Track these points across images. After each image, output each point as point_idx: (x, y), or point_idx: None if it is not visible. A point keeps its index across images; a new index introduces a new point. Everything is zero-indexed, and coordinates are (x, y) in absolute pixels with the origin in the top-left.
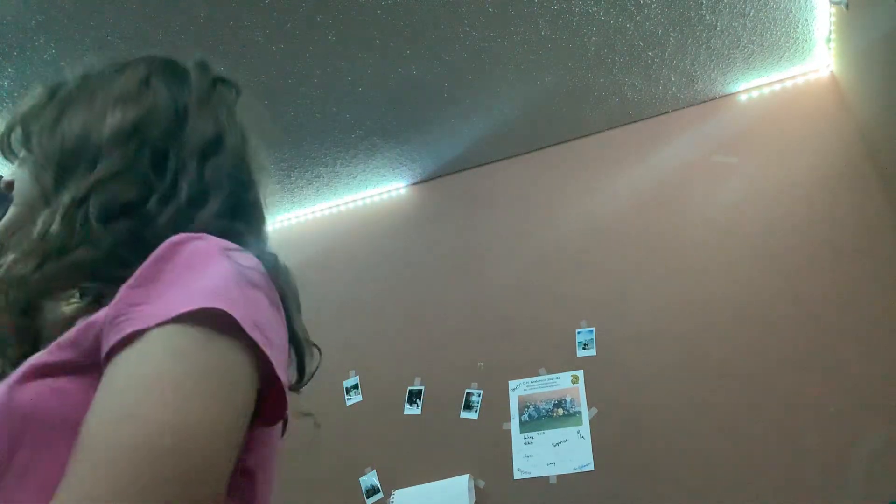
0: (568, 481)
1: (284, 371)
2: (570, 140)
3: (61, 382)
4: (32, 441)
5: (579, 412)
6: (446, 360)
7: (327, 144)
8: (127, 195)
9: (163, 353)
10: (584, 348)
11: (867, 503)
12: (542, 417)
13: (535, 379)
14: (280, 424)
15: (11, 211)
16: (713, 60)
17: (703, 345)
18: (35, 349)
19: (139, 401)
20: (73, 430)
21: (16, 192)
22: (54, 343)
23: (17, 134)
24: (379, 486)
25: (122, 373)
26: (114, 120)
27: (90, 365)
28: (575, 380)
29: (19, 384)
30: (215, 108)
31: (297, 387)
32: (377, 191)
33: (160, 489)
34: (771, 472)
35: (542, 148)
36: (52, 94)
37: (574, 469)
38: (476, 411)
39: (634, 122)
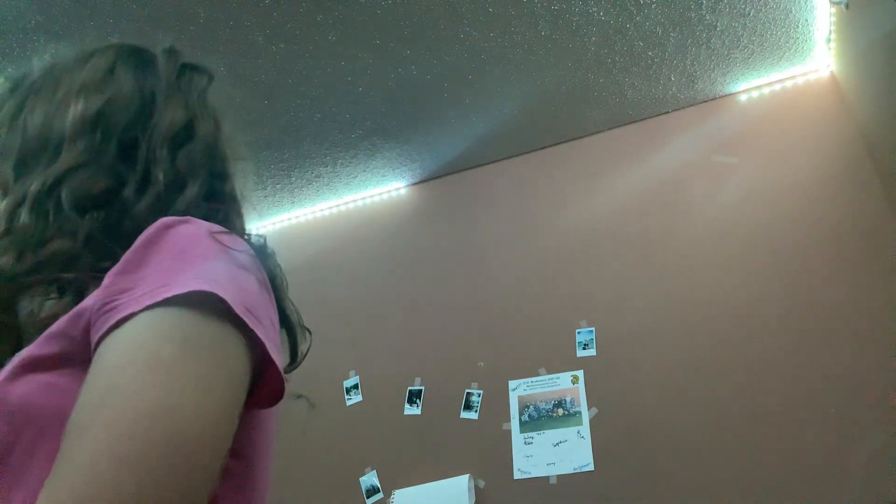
0: (568, 481)
1: (278, 352)
2: (570, 140)
3: (52, 377)
4: (26, 438)
5: (579, 412)
6: (446, 360)
7: (327, 144)
8: (98, 185)
9: (152, 336)
10: (584, 348)
11: (867, 503)
12: (542, 417)
13: (535, 379)
14: (274, 433)
15: None
16: (713, 60)
17: (703, 345)
18: (18, 346)
19: (129, 385)
20: (60, 426)
21: None
22: (42, 335)
23: None
24: (379, 486)
25: (110, 357)
26: (76, 109)
27: (80, 356)
28: (575, 380)
29: (10, 380)
30: (185, 94)
31: (289, 369)
32: (377, 191)
33: (152, 475)
34: (771, 472)
35: (542, 148)
36: (15, 86)
37: (574, 469)
38: (476, 411)
39: (634, 122)
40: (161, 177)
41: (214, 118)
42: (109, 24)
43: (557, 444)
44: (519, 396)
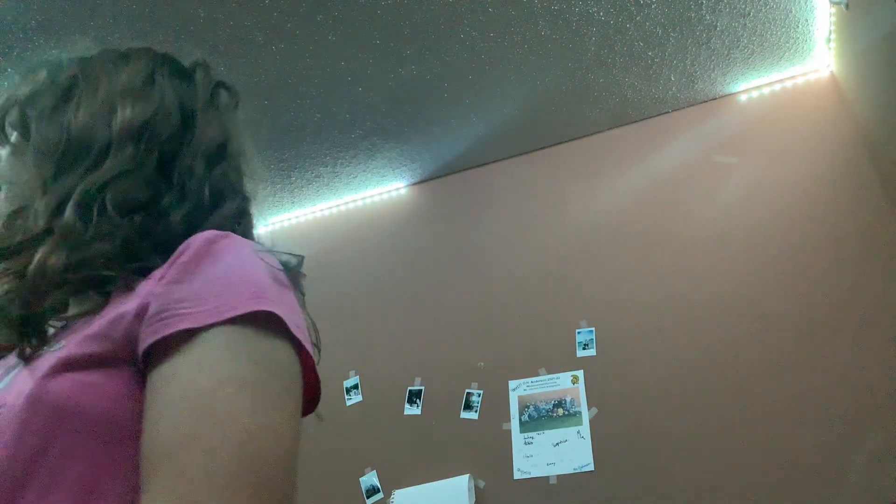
0: (568, 481)
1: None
2: (570, 140)
3: (93, 376)
4: (64, 437)
5: (579, 412)
6: (446, 360)
7: (327, 144)
8: (139, 192)
9: (232, 356)
10: (584, 348)
11: (867, 503)
12: (542, 417)
13: (535, 379)
14: None
15: (5, 192)
16: (713, 60)
17: (703, 345)
18: (42, 342)
19: (223, 409)
20: (105, 425)
21: (4, 176)
22: (81, 335)
23: (13, 117)
24: (379, 486)
25: (193, 375)
26: (123, 115)
27: (120, 358)
28: (575, 380)
29: (50, 377)
30: (220, 113)
31: None
32: (377, 191)
33: (254, 496)
34: (771, 472)
35: (542, 148)
36: (53, 78)
37: (574, 469)
38: (476, 411)
39: (634, 122)
40: (197, 191)
41: (241, 139)
42: (109, 24)
43: (557, 444)
44: (519, 396)
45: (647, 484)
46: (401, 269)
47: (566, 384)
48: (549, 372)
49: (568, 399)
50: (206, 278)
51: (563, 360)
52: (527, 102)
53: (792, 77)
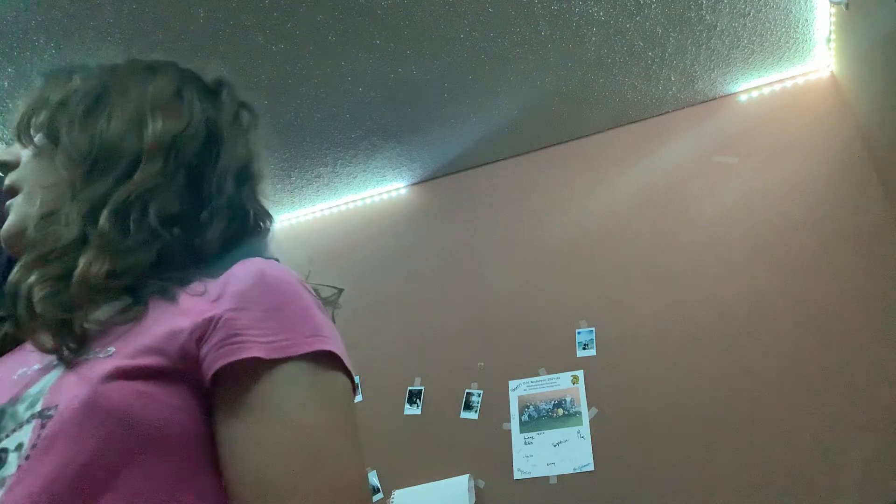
0: (568, 481)
1: None
2: (570, 140)
3: (149, 387)
4: (119, 444)
5: (579, 412)
6: (446, 360)
7: (327, 144)
8: (175, 205)
9: (322, 396)
10: (584, 348)
11: (868, 503)
12: (542, 417)
13: (535, 379)
14: None
15: (23, 205)
16: (713, 60)
17: (703, 344)
18: (82, 346)
19: (329, 450)
20: (159, 435)
21: (27, 178)
22: (133, 346)
23: (41, 119)
24: (379, 486)
25: (292, 410)
26: (154, 128)
27: (175, 372)
28: (575, 380)
29: (106, 383)
30: (244, 133)
31: None
32: (377, 191)
33: None
34: (771, 472)
35: (542, 148)
36: (83, 85)
37: (574, 469)
38: (476, 411)
39: (634, 122)
40: (231, 209)
41: (261, 161)
42: (109, 23)
43: (557, 444)
44: (519, 396)
45: (647, 484)
46: (401, 270)
47: (566, 384)
48: (549, 372)
49: (568, 399)
50: (267, 310)
51: (563, 360)
52: (527, 102)
53: (792, 77)
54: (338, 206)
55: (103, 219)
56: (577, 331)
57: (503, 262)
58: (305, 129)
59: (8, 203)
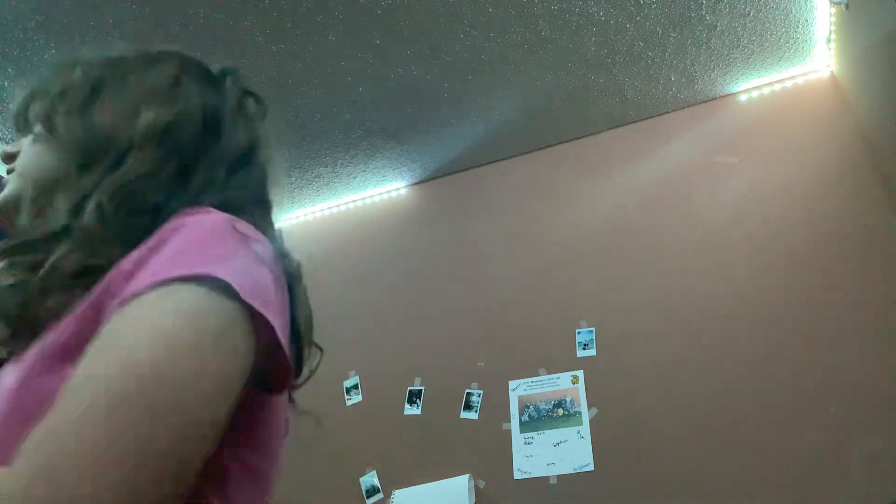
0: (568, 481)
1: (286, 339)
2: (570, 140)
3: (69, 366)
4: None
5: (579, 412)
6: (446, 360)
7: (327, 144)
8: (154, 196)
9: (157, 309)
10: (584, 348)
11: (868, 503)
12: (542, 417)
13: (535, 379)
14: (285, 421)
15: (19, 181)
16: (713, 60)
17: (703, 344)
18: (34, 336)
19: (132, 353)
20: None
21: (22, 164)
22: (61, 323)
23: (40, 108)
24: (379, 486)
25: (113, 324)
26: (147, 117)
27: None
28: (575, 380)
29: (36, 364)
30: (248, 121)
31: (296, 386)
32: (377, 191)
33: (149, 441)
34: (771, 472)
35: (542, 148)
36: (83, 76)
37: (574, 469)
38: (476, 411)
39: (634, 122)
40: (210, 197)
41: (269, 149)
42: (109, 24)
43: (557, 444)
44: (519, 396)
45: (647, 484)
46: (401, 269)
47: (566, 384)
48: (549, 372)
49: (568, 399)
50: (166, 249)
51: (563, 360)
52: (527, 102)
53: (792, 77)
54: (338, 206)
55: (87, 211)
56: (577, 331)
57: (503, 262)
58: (305, 129)
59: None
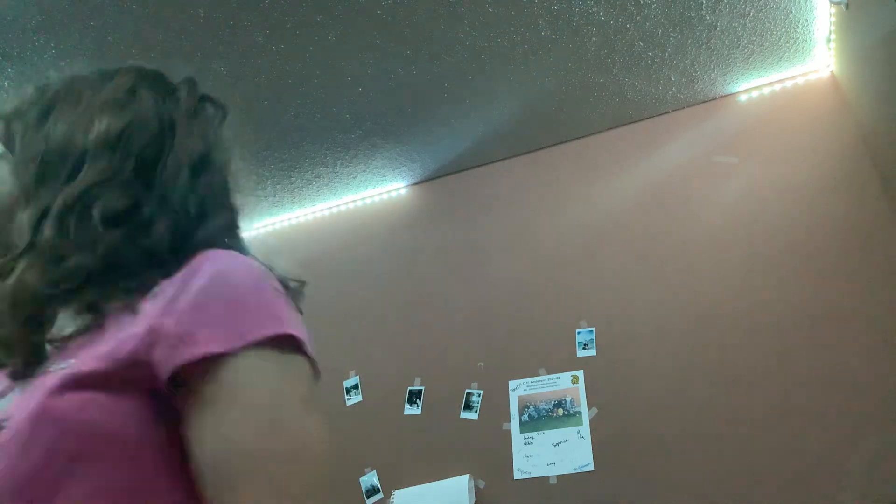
0: (568, 481)
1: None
2: (570, 140)
3: (97, 395)
4: (66, 451)
5: (579, 412)
6: (446, 360)
7: (327, 144)
8: (118, 202)
9: (273, 375)
10: (584, 348)
11: (868, 503)
12: (542, 417)
13: (535, 379)
14: None
15: None
16: (713, 60)
17: (703, 344)
18: (40, 360)
19: (277, 415)
20: (109, 443)
21: None
22: (89, 354)
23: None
24: (379, 486)
25: (236, 394)
26: (100, 126)
27: (128, 378)
28: (575, 380)
29: (57, 393)
30: (203, 125)
31: None
32: (377, 191)
33: (314, 492)
34: (771, 473)
35: (542, 148)
36: (39, 94)
37: (574, 469)
38: (476, 411)
39: (634, 122)
40: (181, 202)
41: (227, 152)
42: (109, 24)
43: (557, 444)
44: (519, 396)
45: (647, 484)
46: (401, 270)
47: (566, 384)
48: (549, 372)
49: (568, 399)
50: (221, 304)
51: (563, 360)
52: (527, 102)
53: (792, 77)
54: (338, 206)
55: (46, 225)
56: (577, 331)
57: (503, 262)
58: (305, 129)
59: None
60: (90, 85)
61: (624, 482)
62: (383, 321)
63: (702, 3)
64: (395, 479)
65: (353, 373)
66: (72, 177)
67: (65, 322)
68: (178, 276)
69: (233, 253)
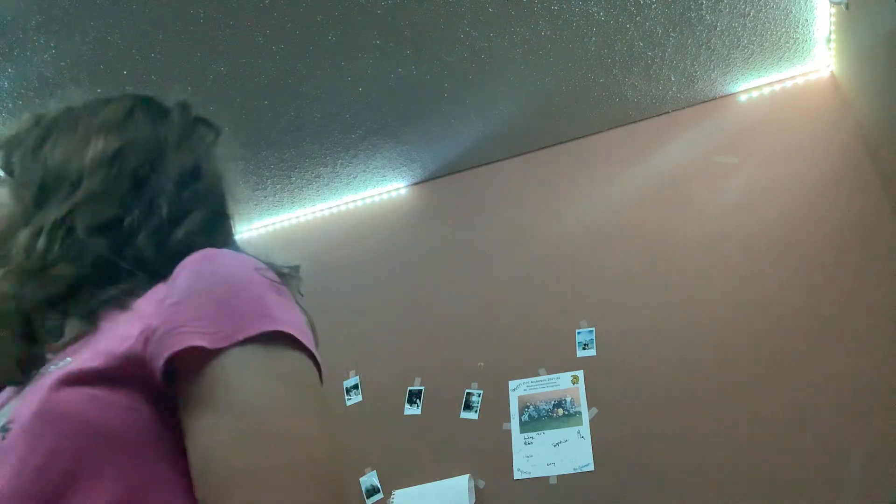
0: (568, 481)
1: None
2: (570, 140)
3: (97, 390)
4: (73, 447)
5: (579, 412)
6: (446, 360)
7: (327, 144)
8: (105, 214)
9: (268, 375)
10: (584, 348)
11: (867, 503)
12: (542, 417)
13: (535, 379)
14: None
15: None
16: (713, 60)
17: (703, 345)
18: (39, 368)
19: (274, 426)
20: (113, 437)
21: None
22: (86, 352)
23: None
24: (379, 486)
25: (244, 395)
26: (97, 147)
27: (125, 375)
28: (575, 380)
29: (57, 389)
30: (194, 144)
31: None
32: (377, 191)
33: (322, 497)
34: (771, 472)
35: (542, 148)
36: (37, 121)
37: (574, 469)
38: (476, 411)
39: (634, 122)
40: (164, 208)
41: (218, 168)
42: (109, 24)
43: (557, 444)
44: (519, 396)
45: (647, 484)
46: (401, 269)
47: (566, 384)
48: (549, 372)
49: (568, 399)
50: (213, 299)
51: (563, 360)
52: (527, 102)
53: (792, 77)
54: (338, 206)
55: (40, 240)
56: (577, 331)
57: (503, 262)
58: (305, 129)
59: None
60: (87, 111)
61: (624, 482)
62: (383, 321)
63: (702, 3)
64: (395, 479)
65: (352, 373)
66: (69, 196)
67: (66, 330)
68: (172, 277)
69: (225, 251)
